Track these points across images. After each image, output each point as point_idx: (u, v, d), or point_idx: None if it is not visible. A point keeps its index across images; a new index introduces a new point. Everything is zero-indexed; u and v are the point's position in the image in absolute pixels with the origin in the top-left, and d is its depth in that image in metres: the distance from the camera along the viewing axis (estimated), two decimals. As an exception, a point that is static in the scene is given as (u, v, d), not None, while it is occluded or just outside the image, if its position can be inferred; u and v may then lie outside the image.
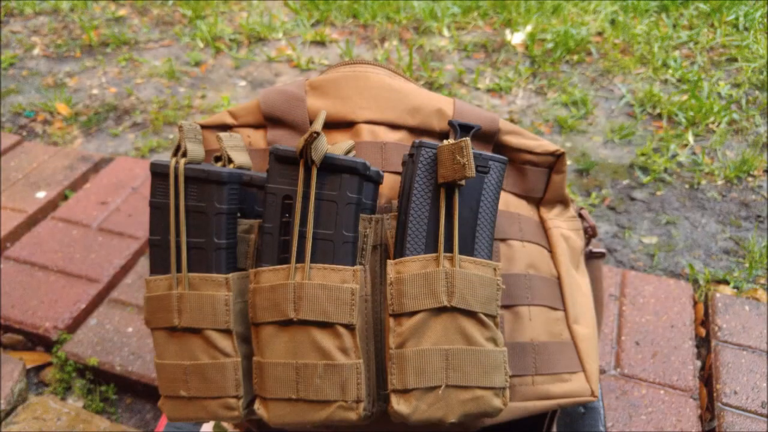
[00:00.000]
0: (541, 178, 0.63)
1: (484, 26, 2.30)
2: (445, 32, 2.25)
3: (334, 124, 0.59)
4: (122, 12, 2.56)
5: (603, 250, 0.74)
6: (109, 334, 1.11)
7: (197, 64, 2.15)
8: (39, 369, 1.11)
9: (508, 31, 2.22)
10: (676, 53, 2.02)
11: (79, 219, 1.37)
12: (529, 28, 2.19)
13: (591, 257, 0.74)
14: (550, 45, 2.09)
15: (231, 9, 2.53)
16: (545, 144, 0.61)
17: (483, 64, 2.06)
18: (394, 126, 0.58)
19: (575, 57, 2.05)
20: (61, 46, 2.30)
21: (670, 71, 1.93)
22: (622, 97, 1.86)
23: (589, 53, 2.08)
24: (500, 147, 0.61)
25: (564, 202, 0.65)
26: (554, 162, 0.62)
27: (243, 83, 2.03)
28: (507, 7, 2.31)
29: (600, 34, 2.19)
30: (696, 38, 2.09)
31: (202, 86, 2.02)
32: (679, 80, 1.90)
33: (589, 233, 0.70)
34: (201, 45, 2.26)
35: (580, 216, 0.69)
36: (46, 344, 1.12)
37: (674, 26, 2.18)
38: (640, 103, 1.81)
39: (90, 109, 1.92)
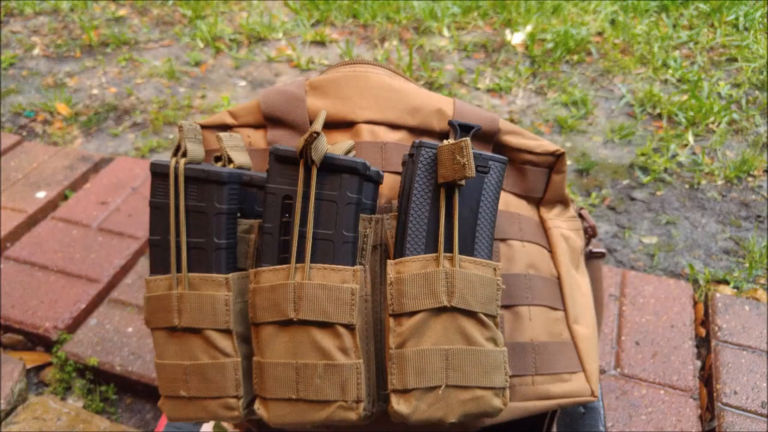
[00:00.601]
0: (541, 178, 0.63)
1: (484, 26, 2.30)
2: (445, 32, 2.25)
3: (334, 124, 0.59)
4: (122, 12, 2.56)
5: (603, 250, 0.74)
6: (109, 334, 1.11)
7: (197, 64, 2.15)
8: (39, 369, 1.11)
9: (508, 31, 2.22)
10: (676, 53, 2.02)
11: (79, 219, 1.37)
12: (529, 28, 2.19)
13: (591, 257, 0.74)
14: (550, 45, 2.09)
15: (231, 9, 2.53)
16: (545, 144, 0.61)
17: (483, 64, 2.06)
18: (394, 126, 0.58)
19: (575, 57, 2.05)
20: (61, 46, 2.30)
21: (670, 71, 1.93)
22: (622, 97, 1.86)
23: (589, 53, 2.08)
24: (500, 147, 0.61)
25: (564, 202, 0.65)
26: (554, 162, 0.62)
27: (243, 83, 2.03)
28: (507, 7, 2.31)
29: (600, 34, 2.19)
30: (696, 38, 2.09)
31: (202, 86, 2.02)
32: (679, 80, 1.90)
33: (589, 233, 0.70)
34: (201, 45, 2.26)
35: (580, 216, 0.69)
36: (46, 344, 1.12)
37: (674, 26, 2.18)
38: (640, 103, 1.81)
39: (90, 109, 1.92)
